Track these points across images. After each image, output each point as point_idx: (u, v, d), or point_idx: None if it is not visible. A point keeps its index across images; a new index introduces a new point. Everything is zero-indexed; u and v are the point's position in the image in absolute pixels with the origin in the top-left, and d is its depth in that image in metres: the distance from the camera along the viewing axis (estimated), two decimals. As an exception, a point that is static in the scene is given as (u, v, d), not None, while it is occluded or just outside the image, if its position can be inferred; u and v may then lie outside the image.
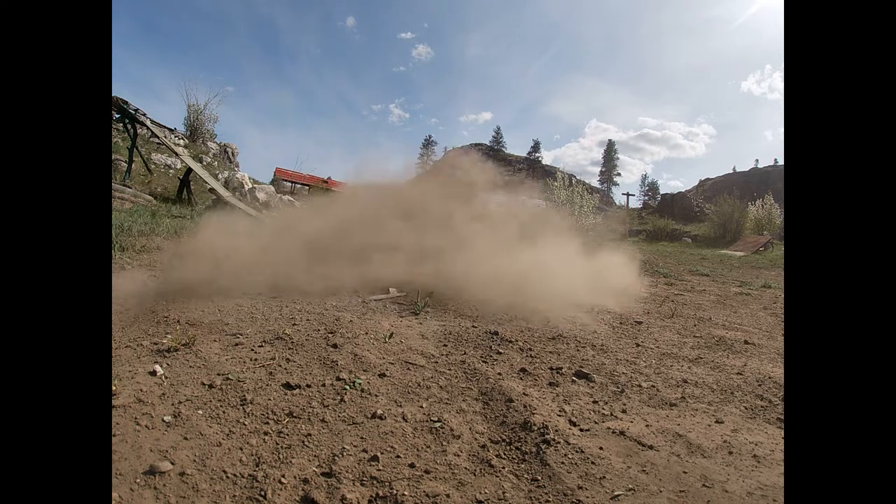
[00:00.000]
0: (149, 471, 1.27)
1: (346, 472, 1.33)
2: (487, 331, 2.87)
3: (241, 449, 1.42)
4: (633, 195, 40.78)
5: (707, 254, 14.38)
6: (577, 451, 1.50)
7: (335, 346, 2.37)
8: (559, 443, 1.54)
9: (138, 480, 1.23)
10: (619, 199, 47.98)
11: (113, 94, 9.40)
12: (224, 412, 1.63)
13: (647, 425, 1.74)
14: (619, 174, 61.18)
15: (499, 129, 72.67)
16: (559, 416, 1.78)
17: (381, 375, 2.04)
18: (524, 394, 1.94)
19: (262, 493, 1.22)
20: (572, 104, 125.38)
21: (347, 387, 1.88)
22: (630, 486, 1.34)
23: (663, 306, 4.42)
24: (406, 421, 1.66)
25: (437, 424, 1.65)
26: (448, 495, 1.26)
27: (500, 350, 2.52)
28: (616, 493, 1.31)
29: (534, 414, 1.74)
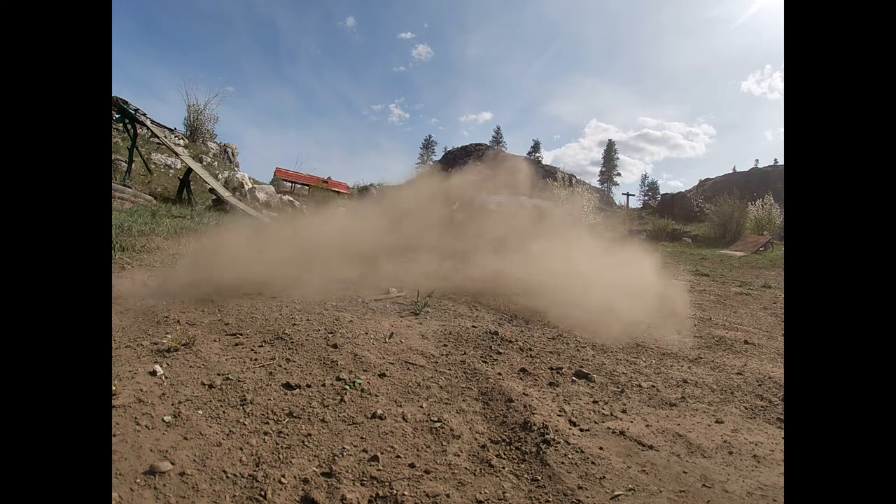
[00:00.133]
0: (149, 471, 1.27)
1: (346, 472, 1.33)
2: (487, 331, 2.87)
3: (241, 449, 1.42)
4: (633, 195, 40.90)
5: (707, 254, 14.36)
6: (577, 451, 1.50)
7: (335, 346, 2.37)
8: (559, 443, 1.54)
9: (138, 480, 1.23)
10: (619, 199, 47.99)
11: (113, 94, 9.41)
12: (224, 412, 1.63)
13: (647, 425, 1.74)
14: (619, 174, 61.06)
15: (499, 129, 72.52)
16: (559, 416, 1.78)
17: (381, 375, 2.04)
18: (524, 394, 1.94)
19: (262, 493, 1.22)
20: (572, 104, 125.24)
21: (347, 387, 1.88)
22: (630, 486, 1.35)
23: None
24: (406, 421, 1.66)
25: (437, 424, 1.65)
26: (448, 495, 1.26)
27: (500, 350, 2.53)
28: (616, 493, 1.31)
29: (534, 414, 1.74)
